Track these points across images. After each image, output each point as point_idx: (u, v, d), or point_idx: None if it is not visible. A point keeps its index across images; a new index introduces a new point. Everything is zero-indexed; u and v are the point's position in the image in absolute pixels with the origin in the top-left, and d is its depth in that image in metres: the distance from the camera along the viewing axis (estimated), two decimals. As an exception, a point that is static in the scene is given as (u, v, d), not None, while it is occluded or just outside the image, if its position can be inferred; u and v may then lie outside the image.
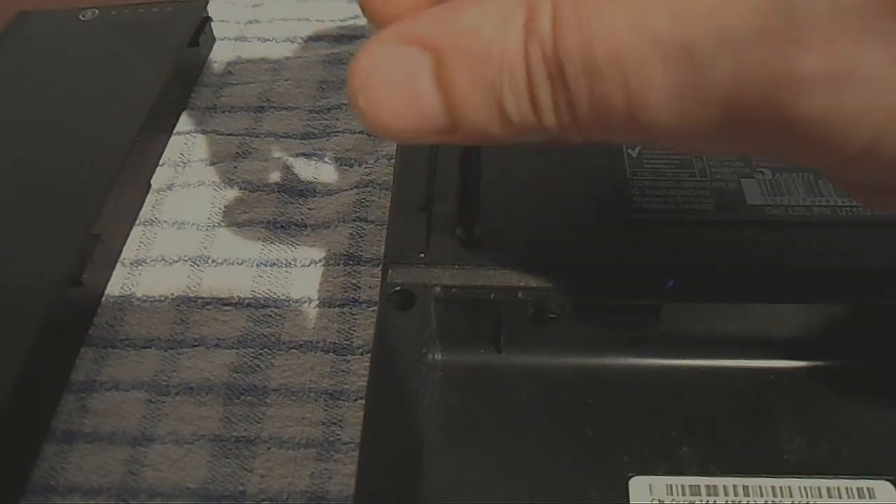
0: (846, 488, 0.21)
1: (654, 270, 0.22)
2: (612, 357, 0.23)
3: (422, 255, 0.22)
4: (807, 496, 0.21)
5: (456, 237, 0.22)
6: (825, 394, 0.22)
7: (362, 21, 0.38)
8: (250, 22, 0.39)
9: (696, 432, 0.22)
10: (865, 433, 0.22)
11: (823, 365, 0.23)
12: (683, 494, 0.21)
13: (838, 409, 0.22)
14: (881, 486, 0.21)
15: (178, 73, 0.33)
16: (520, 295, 0.22)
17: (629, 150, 0.25)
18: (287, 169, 0.31)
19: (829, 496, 0.21)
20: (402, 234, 0.23)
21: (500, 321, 0.22)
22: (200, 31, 0.35)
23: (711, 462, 0.21)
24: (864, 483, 0.21)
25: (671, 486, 0.21)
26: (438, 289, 0.22)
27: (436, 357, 0.23)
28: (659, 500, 0.21)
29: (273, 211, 0.30)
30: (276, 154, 0.32)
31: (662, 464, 0.21)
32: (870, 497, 0.21)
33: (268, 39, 0.37)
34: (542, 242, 0.22)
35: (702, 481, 0.21)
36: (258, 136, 0.33)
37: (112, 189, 0.28)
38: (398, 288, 0.22)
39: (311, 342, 0.27)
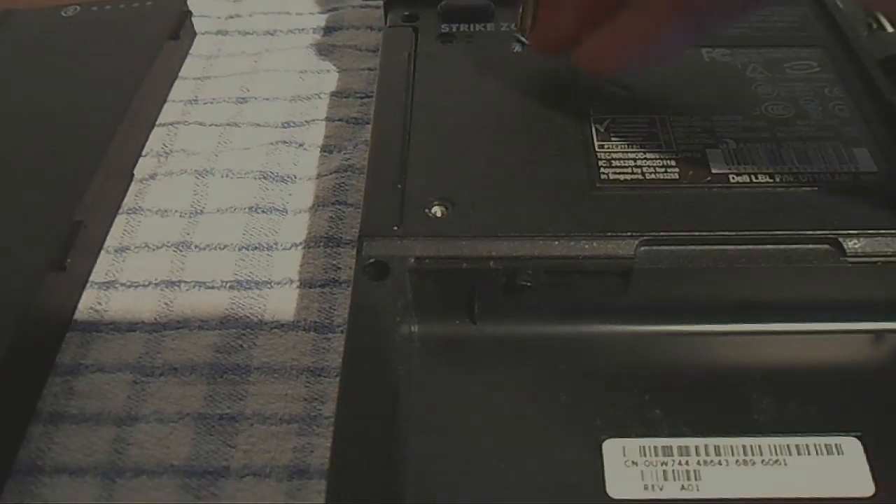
0: (815, 445, 0.22)
1: (622, 237, 0.22)
2: (583, 324, 0.23)
3: (395, 229, 0.23)
4: (777, 454, 0.21)
5: (429, 211, 0.23)
6: (792, 354, 0.23)
7: (341, 13, 0.39)
8: (231, 17, 0.39)
9: (668, 396, 0.22)
10: (833, 391, 0.22)
11: (789, 327, 0.23)
12: (656, 455, 0.21)
13: (806, 369, 0.23)
14: (849, 442, 0.22)
15: (160, 66, 0.34)
16: (491, 264, 0.22)
17: (597, 125, 0.25)
18: (268, 156, 0.32)
19: (799, 453, 0.21)
20: (377, 209, 0.23)
21: (473, 291, 0.23)
22: (181, 25, 0.35)
23: (683, 424, 0.22)
24: (833, 440, 0.22)
25: (644, 447, 0.22)
26: (412, 260, 0.22)
27: (412, 329, 0.23)
28: (632, 462, 0.21)
29: (254, 197, 0.31)
30: (257, 143, 0.33)
31: (635, 426, 0.22)
32: (838, 453, 0.21)
33: (248, 33, 0.38)
34: (513, 213, 0.23)
35: (674, 442, 0.22)
36: (239, 126, 0.33)
37: (95, 178, 0.28)
38: (372, 260, 0.22)
39: (293, 322, 0.27)
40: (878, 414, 0.22)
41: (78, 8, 0.35)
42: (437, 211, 0.23)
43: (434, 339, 0.23)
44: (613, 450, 0.22)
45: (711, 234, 0.22)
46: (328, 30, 0.38)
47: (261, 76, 0.35)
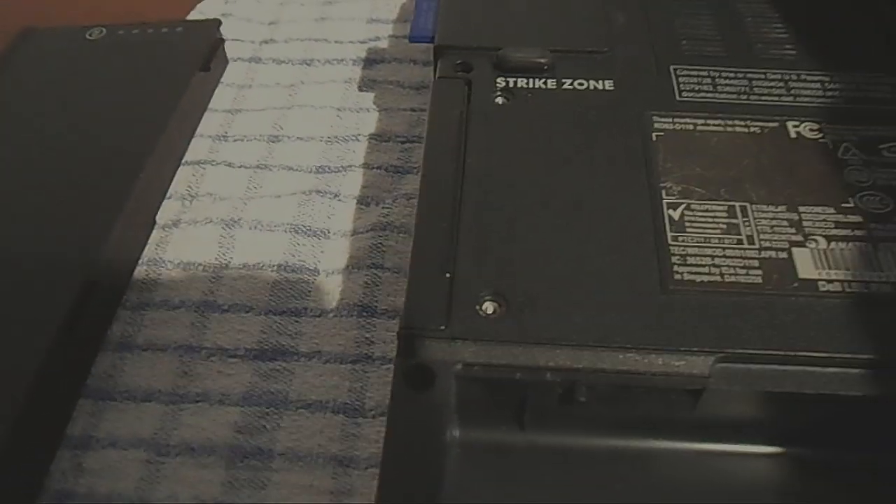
0: None
1: (696, 353, 0.20)
2: (642, 439, 0.21)
3: (442, 328, 0.20)
4: None
5: (480, 308, 0.21)
6: (864, 489, 0.20)
7: (383, 43, 0.36)
8: (265, 42, 0.37)
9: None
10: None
11: (866, 459, 0.21)
12: None
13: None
14: None
15: (188, 99, 0.31)
16: (548, 376, 0.20)
17: (670, 212, 0.23)
18: (300, 207, 0.29)
19: None
20: (422, 301, 0.21)
21: (525, 401, 0.20)
22: (213, 55, 0.33)
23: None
24: None
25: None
26: (460, 366, 0.20)
27: (454, 434, 0.21)
28: None
29: (284, 253, 0.28)
30: (289, 190, 0.30)
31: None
32: None
33: (283, 61, 0.35)
34: (574, 317, 0.20)
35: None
36: (270, 169, 0.31)
37: (114, 228, 0.26)
38: (415, 363, 0.20)
39: (321, 402, 0.25)
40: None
41: (104, 30, 0.33)
42: (488, 307, 0.21)
43: (478, 446, 0.21)
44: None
45: (796, 353, 0.20)
46: (369, 62, 0.35)
47: (295, 112, 0.33)
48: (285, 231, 0.29)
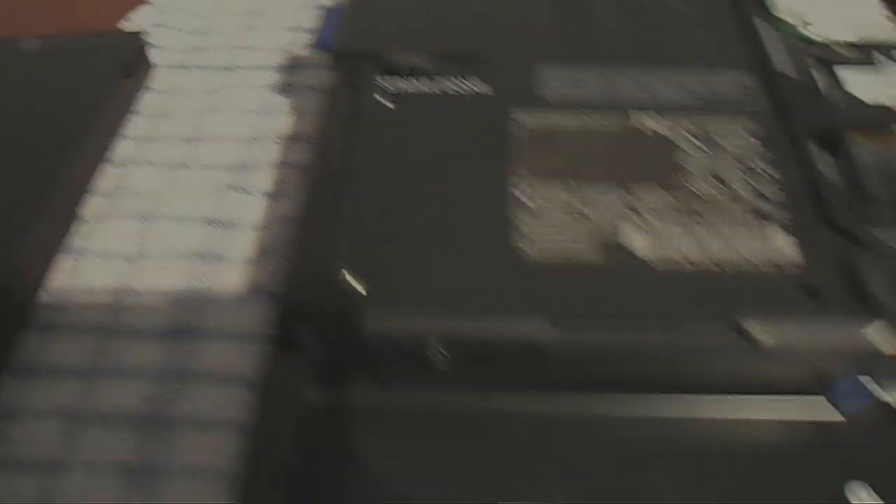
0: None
1: (537, 316, 0.22)
2: (495, 402, 0.23)
3: (310, 297, 0.23)
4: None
5: (346, 282, 0.23)
6: (694, 437, 0.23)
7: (303, 51, 0.39)
8: (193, 50, 0.39)
9: (584, 482, 0.22)
10: (734, 478, 0.22)
11: (692, 408, 0.23)
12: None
13: (708, 452, 0.23)
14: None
15: (113, 104, 0.34)
16: (402, 339, 0.22)
17: (524, 199, 0.25)
18: (215, 201, 0.32)
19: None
20: (294, 274, 0.23)
21: (383, 365, 0.23)
22: (137, 62, 0.35)
23: (583, 501, 0.22)
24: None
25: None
26: (324, 331, 0.22)
27: (320, 399, 0.24)
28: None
29: (199, 243, 0.31)
30: (207, 186, 0.33)
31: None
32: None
33: (207, 68, 0.38)
34: (431, 289, 0.23)
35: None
36: (189, 168, 0.34)
37: (40, 220, 0.29)
38: (281, 326, 0.22)
39: (225, 375, 0.27)
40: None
41: (36, 40, 0.36)
42: (353, 282, 0.23)
43: (344, 409, 0.24)
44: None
45: (628, 316, 0.22)
46: (287, 68, 0.38)
47: (215, 115, 0.36)
48: (200, 223, 0.31)
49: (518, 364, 0.23)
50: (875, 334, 0.22)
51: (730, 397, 0.23)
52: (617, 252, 0.24)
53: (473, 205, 0.25)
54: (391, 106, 0.29)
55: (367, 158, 0.27)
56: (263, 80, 0.37)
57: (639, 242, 0.24)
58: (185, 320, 0.29)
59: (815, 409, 0.23)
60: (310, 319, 0.23)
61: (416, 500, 0.22)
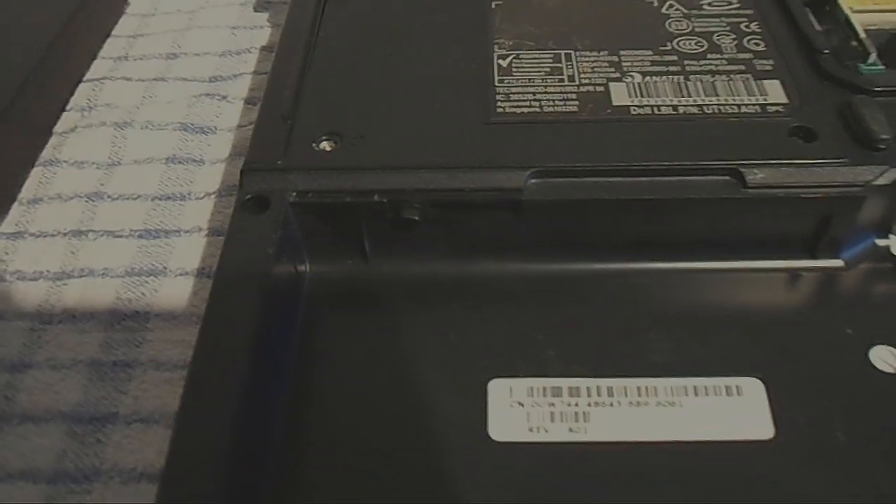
0: (714, 387, 0.20)
1: (511, 168, 0.21)
2: (477, 262, 0.22)
3: (279, 162, 0.22)
4: (673, 395, 0.20)
5: (317, 145, 0.22)
6: (692, 294, 0.22)
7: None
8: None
9: (562, 336, 0.21)
10: (735, 332, 0.21)
11: (689, 265, 0.22)
12: (544, 396, 0.20)
13: (706, 309, 0.22)
14: (750, 383, 0.20)
15: (83, 20, 0.33)
16: (376, 197, 0.21)
17: (500, 61, 0.24)
18: (190, 109, 0.31)
19: (696, 394, 0.20)
20: (262, 143, 0.22)
21: (361, 228, 0.22)
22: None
23: (576, 364, 0.21)
24: (733, 381, 0.21)
25: (532, 388, 0.21)
26: (294, 194, 0.21)
27: (303, 268, 0.22)
28: (518, 403, 0.20)
29: (172, 147, 0.30)
30: (182, 96, 0.32)
31: (525, 367, 0.21)
32: (738, 394, 0.20)
33: (187, -9, 0.37)
34: (403, 146, 0.22)
35: (564, 382, 0.21)
36: (166, 81, 0.33)
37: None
38: (251, 195, 0.21)
39: (198, 269, 0.26)
40: (783, 354, 0.21)
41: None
42: (325, 145, 0.22)
43: (325, 279, 0.23)
44: (499, 390, 0.21)
45: (605, 165, 0.21)
46: (267, -13, 0.37)
47: (193, 32, 0.35)
48: (175, 129, 0.31)
49: (496, 223, 0.22)
50: (874, 170, 0.21)
51: (726, 250, 0.22)
52: (599, 106, 0.23)
53: (449, 68, 0.24)
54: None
55: (338, 33, 0.26)
56: (242, -3, 0.37)
57: (622, 95, 0.23)
58: (159, 221, 0.28)
59: (816, 257, 0.22)
60: (277, 182, 0.22)
61: (394, 366, 0.21)
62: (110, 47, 0.35)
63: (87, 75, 0.33)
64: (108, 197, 0.29)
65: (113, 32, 0.35)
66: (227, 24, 0.35)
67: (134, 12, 0.37)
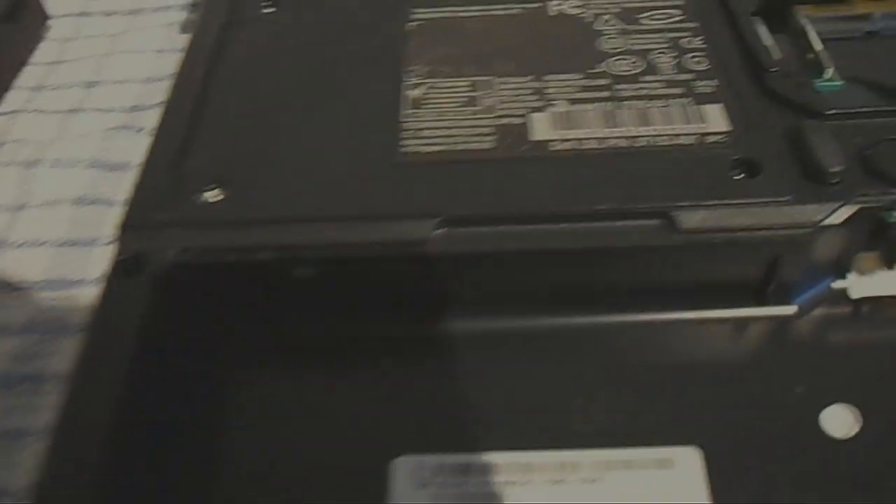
0: (642, 459, 0.18)
1: (415, 217, 0.19)
2: (380, 322, 0.20)
3: (159, 218, 0.19)
4: (598, 471, 0.18)
5: (202, 196, 0.20)
6: (626, 350, 0.19)
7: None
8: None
9: (475, 403, 0.19)
10: (672, 393, 0.19)
11: (623, 318, 0.20)
12: (453, 475, 0.18)
13: (641, 367, 0.19)
14: (686, 452, 0.18)
15: (3, 55, 0.31)
16: (265, 254, 0.19)
17: (409, 92, 0.22)
18: (104, 143, 0.29)
19: (624, 468, 0.18)
20: (142, 195, 0.20)
21: (247, 287, 0.20)
22: (18, 6, 0.32)
23: (490, 436, 0.18)
24: (666, 452, 0.18)
25: (440, 464, 0.18)
26: (171, 253, 0.19)
27: (187, 332, 0.20)
28: (423, 483, 0.18)
29: (83, 186, 0.28)
30: (98, 129, 0.30)
31: (432, 441, 0.18)
32: (670, 467, 0.18)
33: (112, 13, 0.35)
34: (297, 195, 0.20)
35: (474, 459, 0.18)
36: (83, 111, 0.31)
37: None
38: (124, 256, 0.19)
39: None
40: (725, 419, 0.18)
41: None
42: (210, 196, 0.20)
43: (212, 343, 0.20)
44: (404, 468, 0.18)
45: (519, 212, 0.19)
46: (195, 6, 0.35)
47: (116, 58, 0.33)
48: (86, 167, 0.28)
49: (400, 278, 0.19)
50: (825, 208, 0.18)
51: (663, 300, 0.19)
52: (516, 141, 0.20)
53: (351, 104, 0.22)
54: (275, 12, 0.25)
55: (239, 66, 0.23)
56: (169, 19, 0.34)
57: (543, 128, 0.20)
58: (62, 271, 0.26)
59: (765, 304, 0.20)
60: (156, 240, 0.19)
61: (292, 440, 0.19)
62: (27, 76, 0.33)
63: (1, 108, 0.31)
64: (12, 244, 0.27)
65: (31, 60, 0.33)
66: (152, 48, 0.33)
67: (55, 36, 0.34)
